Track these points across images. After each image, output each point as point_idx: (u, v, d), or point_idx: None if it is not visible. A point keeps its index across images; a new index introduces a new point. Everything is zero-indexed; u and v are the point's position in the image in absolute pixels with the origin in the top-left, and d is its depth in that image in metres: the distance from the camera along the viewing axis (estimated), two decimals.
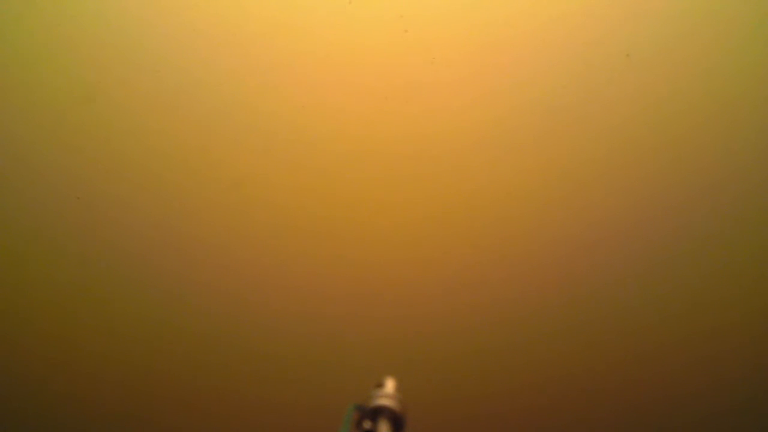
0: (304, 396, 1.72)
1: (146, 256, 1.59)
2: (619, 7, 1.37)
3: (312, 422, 1.68)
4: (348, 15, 1.37)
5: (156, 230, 1.56)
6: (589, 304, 1.66)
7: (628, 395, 1.74)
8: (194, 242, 1.58)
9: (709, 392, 1.73)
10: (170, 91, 1.43)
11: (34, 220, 1.53)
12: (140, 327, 1.65)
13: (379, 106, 1.46)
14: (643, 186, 1.54)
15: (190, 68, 1.41)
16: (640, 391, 1.74)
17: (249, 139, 1.48)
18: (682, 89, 1.44)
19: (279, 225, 1.57)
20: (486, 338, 1.68)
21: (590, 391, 1.74)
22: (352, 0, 1.35)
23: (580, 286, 1.64)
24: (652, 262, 1.62)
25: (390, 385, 0.82)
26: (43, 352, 1.66)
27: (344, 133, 1.49)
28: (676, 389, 1.74)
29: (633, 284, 1.64)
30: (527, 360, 1.71)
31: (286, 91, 1.44)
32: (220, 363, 1.69)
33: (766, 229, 1.57)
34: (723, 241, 1.59)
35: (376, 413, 0.79)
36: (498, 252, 1.61)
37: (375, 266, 1.62)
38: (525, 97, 1.45)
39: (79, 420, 1.73)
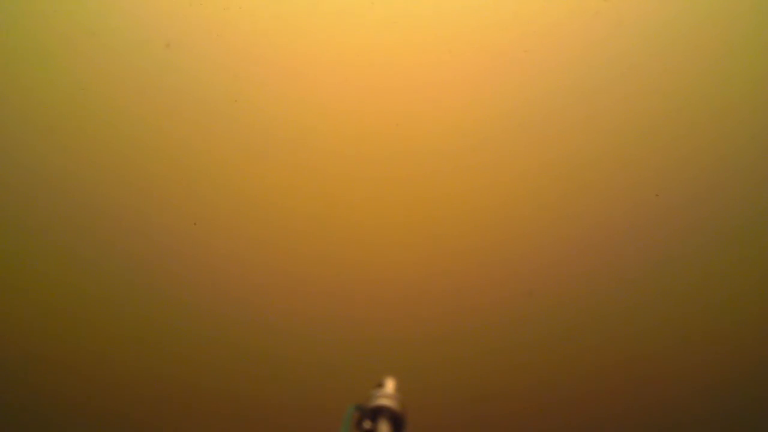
0: (304, 396, 1.72)
1: (145, 257, 1.59)
2: (621, 11, 1.37)
3: (312, 422, 1.68)
4: (348, 15, 1.37)
5: (154, 231, 1.56)
6: (589, 306, 1.66)
7: (628, 396, 1.74)
8: (194, 243, 1.58)
9: (710, 393, 1.73)
10: (169, 91, 1.43)
11: (34, 220, 1.54)
12: (139, 327, 1.65)
13: (379, 105, 1.46)
14: (642, 188, 1.54)
15: (189, 68, 1.41)
16: (639, 392, 1.74)
17: (250, 139, 1.48)
18: (682, 91, 1.44)
19: (279, 226, 1.57)
20: (486, 339, 1.68)
21: (589, 392, 1.73)
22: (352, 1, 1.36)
23: (580, 288, 1.64)
24: (652, 264, 1.62)
25: (390, 385, 0.82)
26: (42, 352, 1.66)
27: (345, 133, 1.49)
28: (675, 390, 1.74)
29: (633, 285, 1.64)
30: (527, 360, 1.71)
31: (284, 90, 1.44)
32: (220, 363, 1.69)
33: (766, 230, 1.58)
34: (723, 242, 1.59)
35: (376, 413, 0.79)
36: (498, 253, 1.61)
37: (376, 267, 1.62)
38: (526, 98, 1.45)
39: (79, 420, 1.73)
